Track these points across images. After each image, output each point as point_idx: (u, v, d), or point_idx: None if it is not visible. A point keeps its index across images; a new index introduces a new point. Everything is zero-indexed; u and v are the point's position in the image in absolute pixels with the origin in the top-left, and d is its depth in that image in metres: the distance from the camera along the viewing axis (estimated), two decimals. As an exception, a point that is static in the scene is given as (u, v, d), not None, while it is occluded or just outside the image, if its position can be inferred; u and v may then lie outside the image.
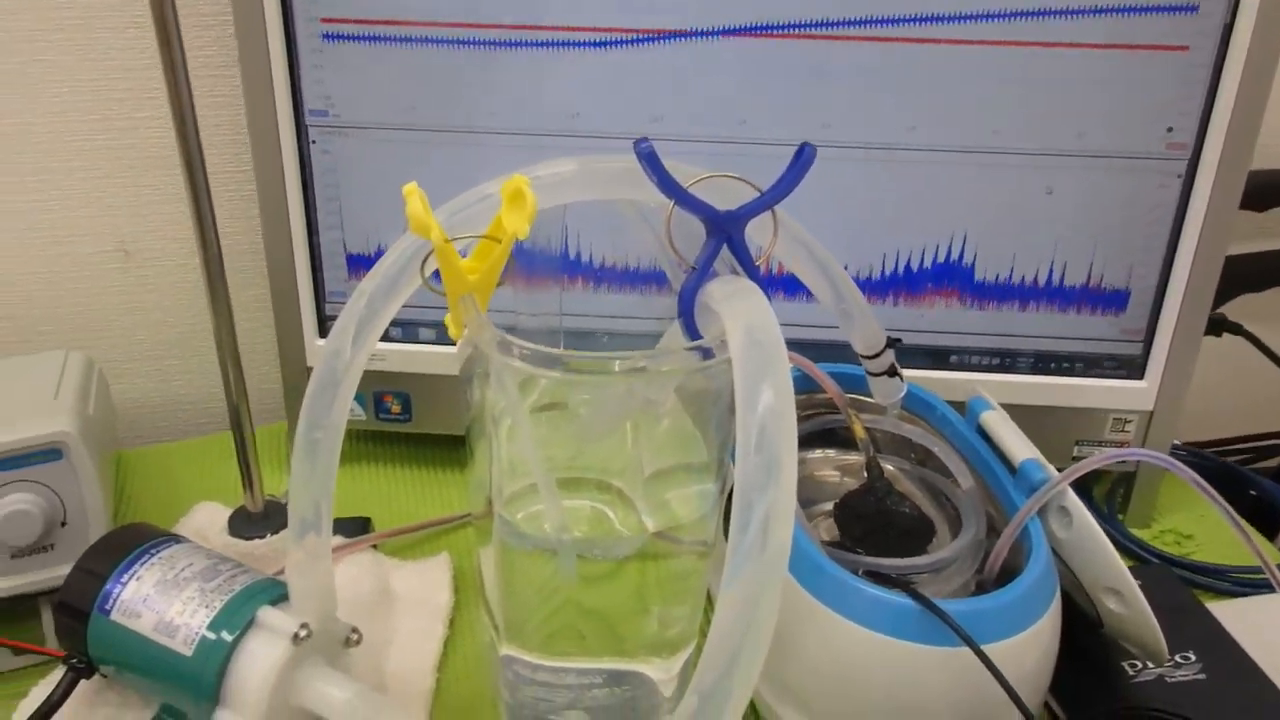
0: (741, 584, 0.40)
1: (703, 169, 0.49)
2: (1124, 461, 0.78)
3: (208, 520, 0.71)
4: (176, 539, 0.58)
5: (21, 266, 0.85)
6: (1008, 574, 0.55)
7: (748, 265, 0.49)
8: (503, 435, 0.52)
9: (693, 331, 0.48)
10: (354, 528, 0.72)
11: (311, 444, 0.50)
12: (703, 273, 0.49)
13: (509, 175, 0.47)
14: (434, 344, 0.77)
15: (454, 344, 0.75)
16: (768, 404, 0.41)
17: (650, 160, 0.47)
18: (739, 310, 0.44)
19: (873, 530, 0.60)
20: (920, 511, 0.61)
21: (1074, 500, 0.57)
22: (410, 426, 0.80)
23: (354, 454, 0.84)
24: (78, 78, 0.80)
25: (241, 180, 0.85)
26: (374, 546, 0.72)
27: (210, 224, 0.60)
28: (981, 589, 0.57)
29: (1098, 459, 0.57)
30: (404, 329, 0.77)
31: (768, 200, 0.49)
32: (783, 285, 0.74)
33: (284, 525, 0.68)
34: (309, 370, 0.77)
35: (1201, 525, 0.79)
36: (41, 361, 0.70)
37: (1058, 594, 0.54)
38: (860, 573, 0.54)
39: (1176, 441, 0.91)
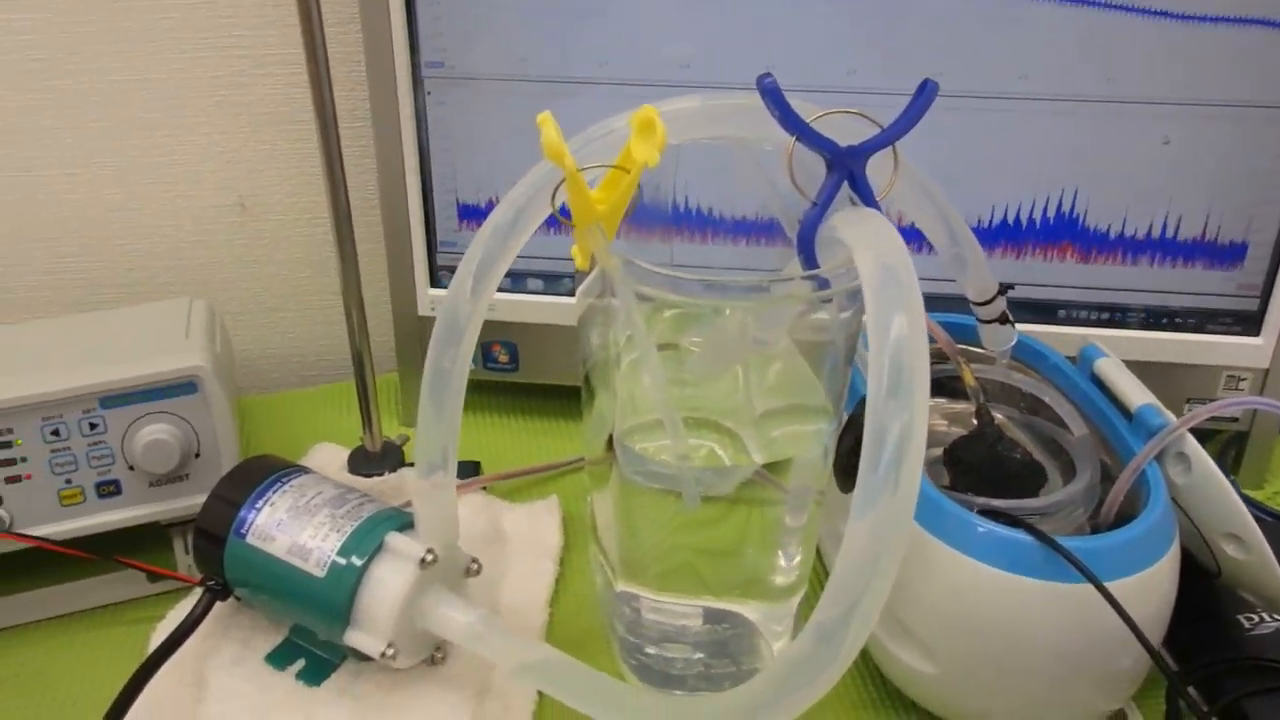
0: (872, 516, 0.40)
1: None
2: (1237, 420, 0.77)
3: (327, 459, 0.74)
4: (304, 470, 0.60)
5: (144, 219, 0.88)
6: (1123, 521, 0.55)
7: (869, 201, 0.50)
8: (622, 374, 0.53)
9: (813, 266, 0.49)
10: (466, 470, 0.74)
11: (439, 383, 0.51)
12: (824, 208, 0.49)
13: (634, 109, 0.48)
14: (542, 294, 0.78)
15: (562, 294, 0.78)
16: (900, 332, 0.41)
17: (773, 95, 0.48)
18: (868, 238, 0.44)
19: (983, 475, 0.60)
20: (1031, 457, 0.61)
21: (1194, 445, 0.56)
22: (517, 376, 0.82)
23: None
24: (201, 34, 0.82)
25: (354, 135, 0.86)
26: (484, 489, 0.73)
27: (339, 171, 0.62)
28: (1097, 534, 0.57)
29: (1221, 404, 0.56)
30: (513, 279, 0.78)
31: (890, 135, 0.49)
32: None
33: (400, 464, 0.70)
34: (420, 320, 0.79)
35: (1318, 486, 0.78)
36: (169, 307, 0.73)
37: (1177, 537, 0.54)
38: (976, 511, 0.54)
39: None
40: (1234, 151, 0.69)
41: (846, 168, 0.49)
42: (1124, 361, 0.72)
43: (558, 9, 0.69)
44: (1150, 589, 0.52)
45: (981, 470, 0.61)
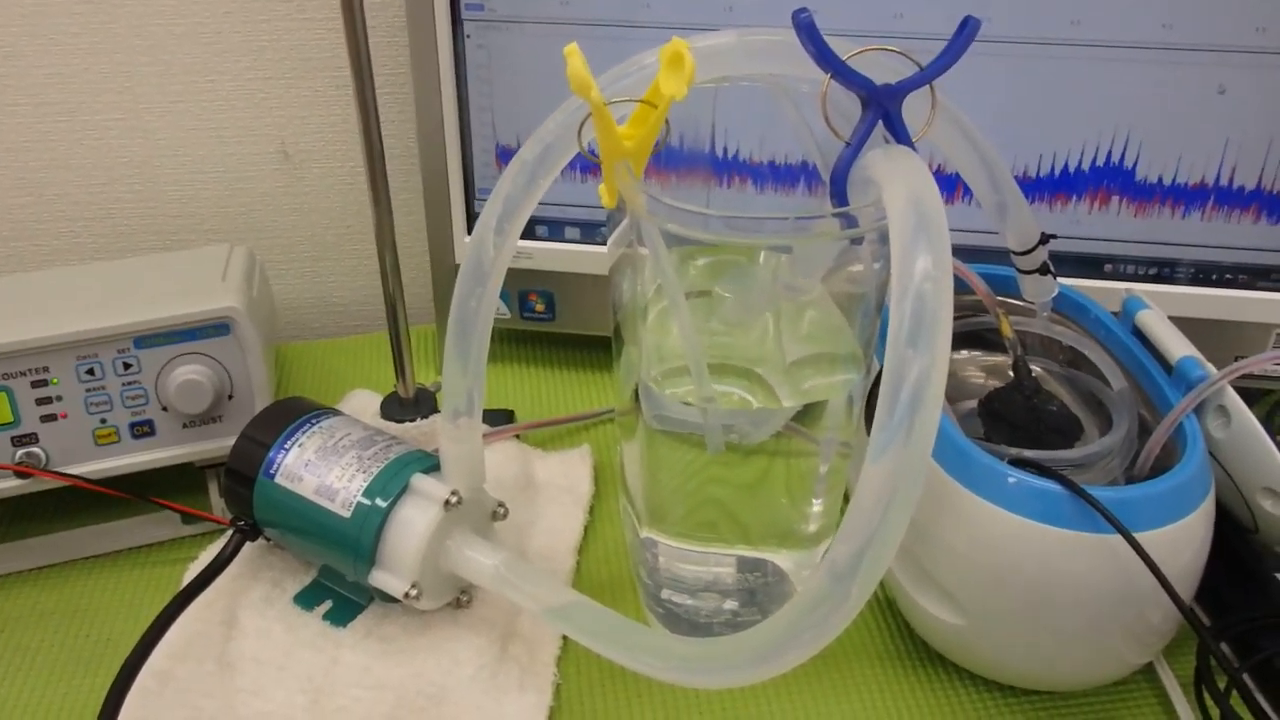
0: (886, 462, 0.40)
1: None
2: (1286, 379, 0.75)
3: (361, 405, 0.74)
4: (334, 412, 0.61)
5: (187, 165, 0.88)
6: (1159, 475, 0.54)
7: (905, 142, 0.49)
8: (651, 323, 0.53)
9: (844, 206, 0.48)
10: (499, 418, 0.74)
11: (464, 318, 0.51)
12: (857, 148, 0.48)
13: (666, 43, 0.47)
14: (579, 243, 0.78)
15: (599, 243, 0.77)
16: (925, 270, 0.40)
17: (809, 31, 0.47)
18: (899, 176, 0.43)
19: (1019, 427, 0.59)
20: (1067, 409, 0.60)
21: (1234, 398, 0.55)
22: (553, 326, 0.81)
23: (498, 353, 0.86)
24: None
25: (395, 84, 0.86)
26: (517, 437, 0.73)
27: (373, 118, 0.62)
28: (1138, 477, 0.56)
29: (1264, 357, 0.55)
30: (550, 227, 0.78)
31: (928, 74, 0.48)
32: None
33: (433, 411, 0.70)
34: (457, 269, 0.79)
35: (1368, 447, 0.76)
36: (209, 253, 0.73)
37: (1212, 490, 0.53)
38: (1007, 460, 0.53)
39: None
40: (1291, 100, 0.67)
41: (882, 107, 0.48)
42: (1171, 319, 0.71)
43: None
44: (1183, 541, 0.51)
45: (1016, 422, 0.60)
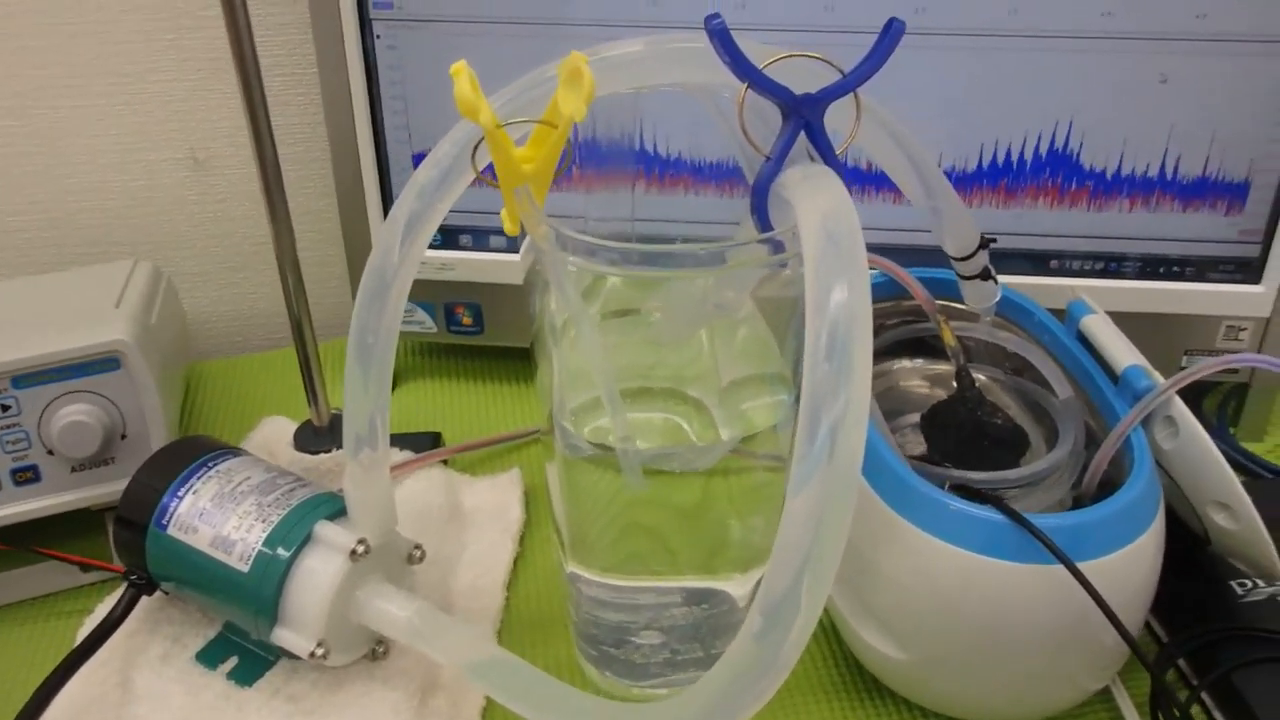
0: (807, 497, 0.36)
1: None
2: (1236, 371, 0.73)
3: (275, 434, 0.70)
4: (235, 452, 0.57)
5: (93, 175, 0.83)
6: (1108, 489, 0.51)
7: (827, 154, 0.45)
8: (566, 345, 0.50)
9: (766, 226, 0.45)
10: (424, 442, 0.71)
11: (364, 351, 0.47)
12: (778, 162, 0.45)
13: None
14: (506, 252, 0.74)
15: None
16: (840, 302, 0.37)
17: (722, 38, 0.44)
18: (814, 199, 0.40)
19: (962, 442, 0.57)
20: (1013, 423, 0.57)
21: (1181, 408, 0.52)
22: (482, 339, 0.78)
23: (424, 368, 0.82)
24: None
25: (307, 85, 0.82)
26: (444, 462, 0.70)
27: (266, 130, 0.58)
28: (1079, 505, 0.53)
29: (1208, 365, 0.52)
30: (474, 236, 0.74)
31: (850, 82, 0.45)
32: (872, 181, 0.69)
33: (350, 439, 0.66)
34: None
35: (1321, 439, 0.74)
36: (108, 271, 0.69)
37: (1161, 508, 0.50)
38: (947, 486, 0.50)
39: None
40: (1235, 89, 0.64)
41: (803, 118, 0.45)
42: (1118, 313, 0.68)
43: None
44: (1132, 567, 0.48)
45: (960, 438, 0.57)
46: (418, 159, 0.71)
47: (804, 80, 0.45)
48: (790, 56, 0.45)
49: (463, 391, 0.79)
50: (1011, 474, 0.52)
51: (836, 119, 0.45)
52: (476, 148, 0.43)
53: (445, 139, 0.45)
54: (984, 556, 0.47)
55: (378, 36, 0.68)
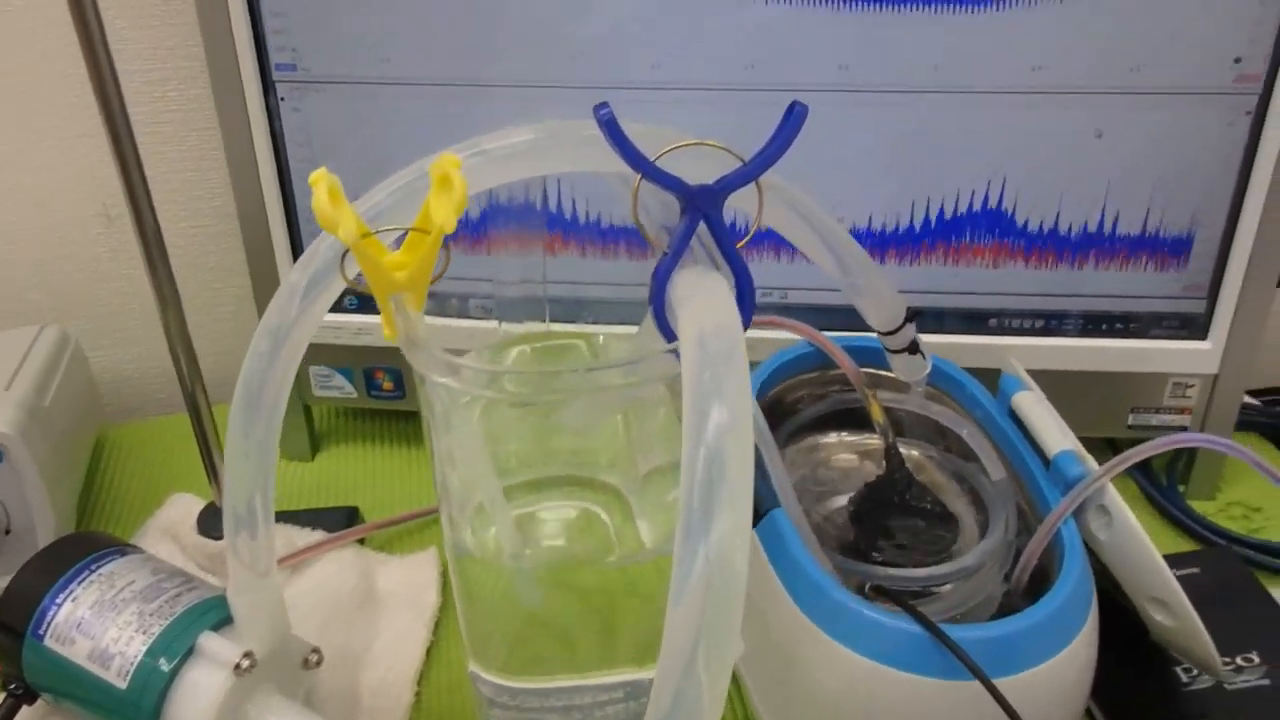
0: (684, 631, 0.33)
1: (690, 132, 0.42)
2: (1185, 428, 0.70)
3: (181, 514, 0.67)
4: (123, 550, 0.54)
5: (4, 231, 0.80)
6: (1041, 581, 0.49)
7: (727, 247, 0.43)
8: (447, 442, 0.46)
9: (664, 328, 0.42)
10: (339, 519, 0.68)
11: (238, 454, 0.44)
12: (675, 257, 0.42)
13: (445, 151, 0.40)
14: (427, 315, 0.71)
15: (451, 315, 0.71)
16: (719, 424, 0.34)
17: (610, 129, 0.41)
18: (694, 313, 0.37)
19: (891, 530, 0.54)
20: (944, 507, 0.54)
21: (1115, 498, 0.50)
22: (404, 404, 0.74)
23: (343, 433, 0.79)
24: (53, 26, 0.74)
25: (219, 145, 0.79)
26: (360, 540, 0.67)
27: (144, 197, 0.55)
28: (1011, 598, 0.50)
29: (1143, 450, 0.50)
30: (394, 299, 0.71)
31: (750, 171, 0.42)
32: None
33: (259, 520, 0.63)
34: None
35: (1272, 497, 0.72)
36: (7, 343, 0.65)
37: (1093, 610, 0.48)
38: (868, 588, 0.48)
39: (1249, 396, 0.83)
40: (1173, 143, 0.62)
41: (700, 210, 0.42)
42: (1061, 371, 0.66)
43: (416, 4, 0.61)
44: (1060, 679, 0.46)
45: (888, 525, 0.54)
46: (330, 221, 0.69)
47: (708, 164, 0.42)
48: (687, 145, 0.43)
49: (384, 457, 0.77)
50: (939, 570, 0.50)
51: (746, 197, 0.43)
52: (346, 254, 0.40)
53: (318, 240, 0.42)
54: (902, 672, 0.44)
55: (282, 99, 0.65)
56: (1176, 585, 0.48)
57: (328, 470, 0.76)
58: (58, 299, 0.83)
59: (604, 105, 0.40)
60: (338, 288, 0.43)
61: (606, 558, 0.50)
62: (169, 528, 0.65)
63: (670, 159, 0.43)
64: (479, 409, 0.49)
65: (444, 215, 0.37)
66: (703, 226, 0.42)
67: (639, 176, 0.42)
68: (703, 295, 0.38)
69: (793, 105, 0.42)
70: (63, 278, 0.83)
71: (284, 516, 0.67)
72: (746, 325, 0.44)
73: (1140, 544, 0.49)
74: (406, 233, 0.41)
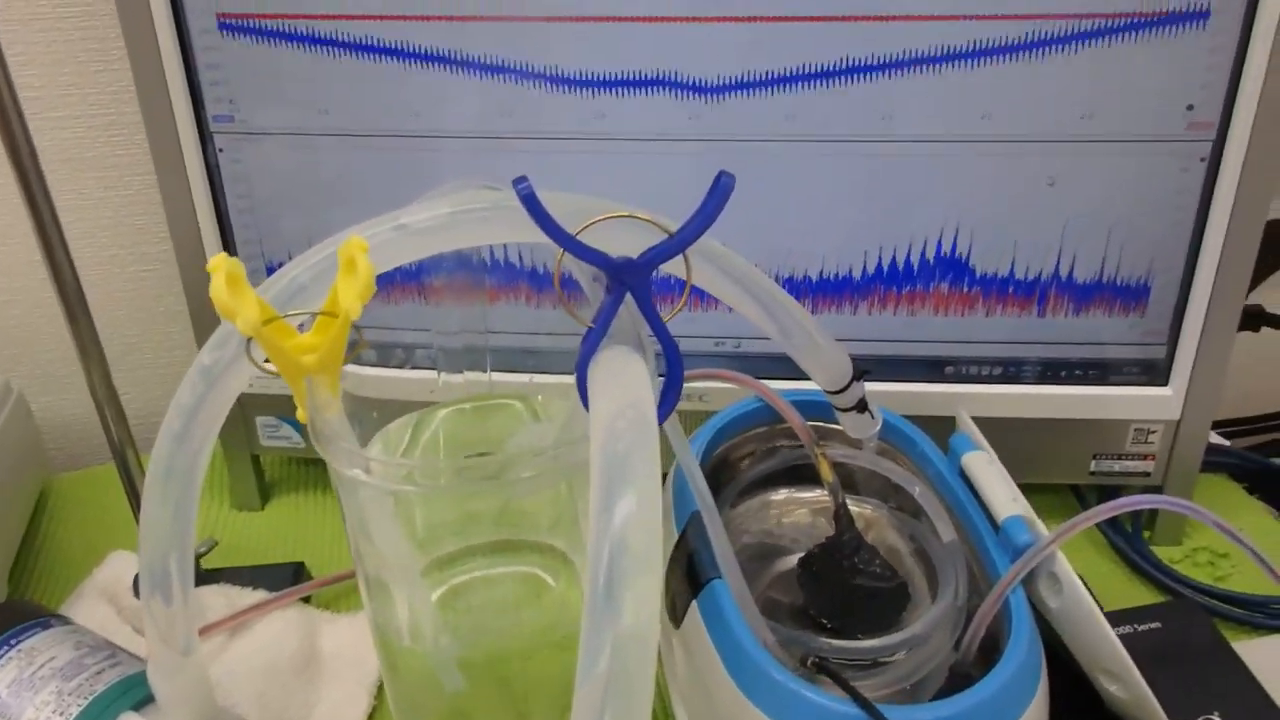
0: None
1: (635, 185, 0.40)
2: (1149, 474, 0.69)
3: (118, 573, 0.65)
4: (47, 623, 0.52)
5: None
6: (992, 645, 0.48)
7: (654, 322, 0.41)
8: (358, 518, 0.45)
9: (589, 407, 0.41)
10: (282, 576, 0.66)
11: (161, 498, 0.43)
12: (599, 334, 0.41)
13: (356, 231, 0.39)
14: (375, 366, 0.69)
15: (398, 367, 0.69)
16: (626, 515, 0.33)
17: (530, 204, 0.39)
18: (605, 401, 0.36)
19: (839, 595, 0.53)
20: (893, 572, 0.53)
21: (1064, 566, 0.48)
22: (353, 451, 0.73)
23: (294, 480, 0.78)
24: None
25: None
26: (306, 598, 0.65)
27: (61, 249, 0.54)
28: (960, 666, 0.49)
29: (1091, 516, 0.48)
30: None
31: (676, 244, 0.41)
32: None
33: (201, 581, 0.62)
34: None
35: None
36: (-58, 398, 0.64)
37: (1043, 683, 0.46)
38: (810, 662, 0.46)
39: (1214, 436, 0.82)
40: (1127, 190, 0.61)
41: (624, 285, 0.41)
42: (1021, 419, 0.65)
43: (354, 57, 0.60)
44: (1009, 756, 0.44)
45: (836, 590, 0.53)
46: (271, 269, 0.67)
47: (638, 234, 0.41)
48: (611, 218, 0.41)
49: (335, 507, 0.75)
50: (887, 641, 0.48)
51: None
52: (250, 343, 0.39)
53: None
54: (840, 756, 0.43)
55: (220, 150, 0.63)
56: (1127, 658, 0.47)
57: (277, 520, 0.74)
58: (5, 345, 0.82)
59: (523, 180, 0.39)
60: (250, 369, 0.41)
61: (550, 629, 0.48)
62: (106, 588, 0.64)
63: (600, 230, 0.42)
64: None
65: (349, 301, 0.36)
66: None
67: (561, 252, 0.40)
68: (615, 381, 0.37)
69: (719, 176, 0.40)
70: (9, 322, 0.81)
71: (227, 574, 0.65)
72: (675, 402, 0.43)
73: (1090, 614, 0.47)
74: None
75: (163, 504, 0.42)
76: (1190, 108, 0.58)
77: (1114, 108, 0.58)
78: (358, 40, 0.60)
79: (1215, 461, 0.77)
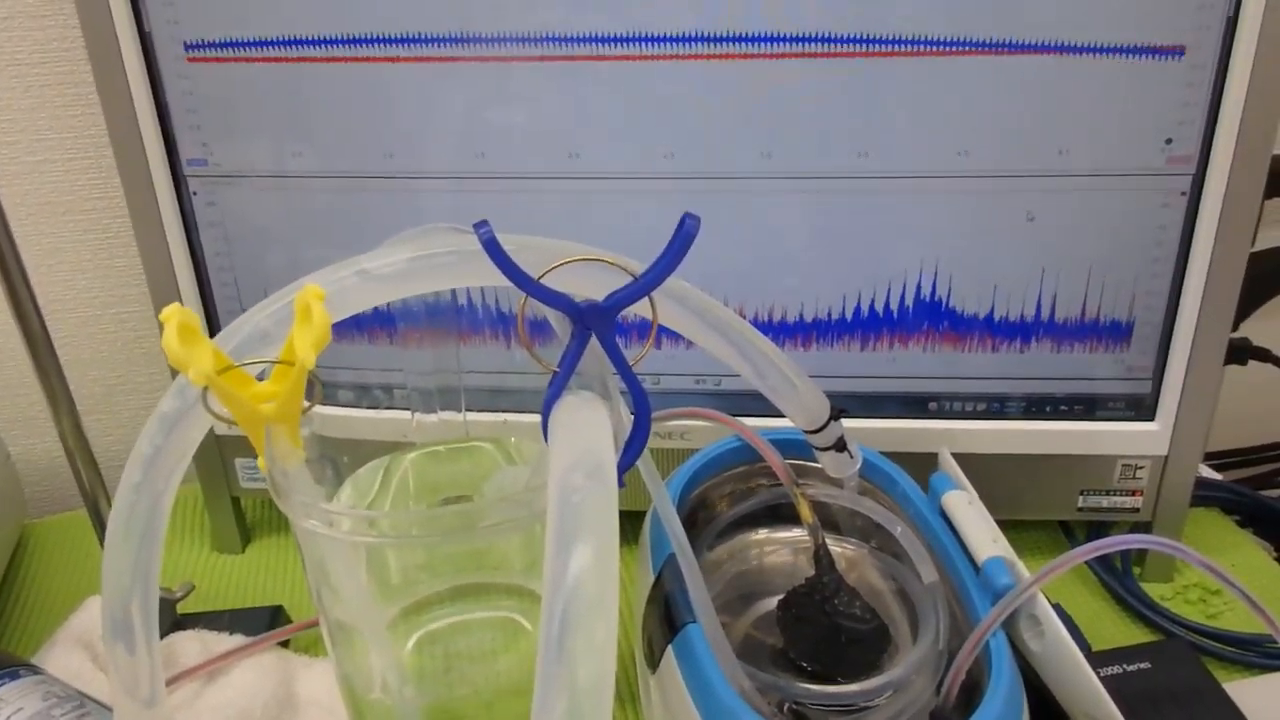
0: None
1: (607, 224, 0.40)
2: (1138, 510, 0.68)
3: (95, 620, 0.64)
4: (16, 673, 0.51)
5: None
6: (974, 688, 0.47)
7: (620, 365, 0.41)
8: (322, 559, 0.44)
9: (554, 452, 0.40)
10: (260, 620, 0.65)
11: (122, 549, 0.42)
12: (563, 379, 0.40)
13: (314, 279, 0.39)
14: (355, 407, 0.69)
15: (377, 408, 0.69)
16: (581, 568, 0.32)
17: (491, 249, 0.39)
18: (563, 449, 0.35)
19: (819, 637, 0.52)
20: (874, 614, 0.52)
21: (1045, 609, 0.48)
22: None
23: (276, 523, 0.77)
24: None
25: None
26: (285, 642, 0.64)
27: (29, 300, 0.54)
28: (942, 710, 0.48)
29: (1073, 557, 0.47)
30: (325, 390, 0.68)
31: (641, 287, 0.40)
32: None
33: (175, 625, 0.61)
34: (216, 437, 0.70)
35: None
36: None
37: (1024, 728, 0.45)
38: (787, 709, 0.46)
39: (1205, 469, 0.81)
40: (1107, 225, 0.60)
41: (588, 328, 0.40)
42: (1006, 455, 0.64)
43: (327, 99, 0.60)
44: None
45: (816, 633, 0.52)
46: (250, 313, 0.67)
47: (605, 277, 0.41)
48: (575, 261, 0.41)
49: (315, 551, 0.74)
50: (866, 686, 0.47)
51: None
52: (205, 393, 0.38)
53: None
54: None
55: (194, 194, 0.63)
56: (1111, 703, 0.46)
57: (258, 562, 0.73)
58: (-12, 389, 0.81)
59: (483, 224, 0.39)
60: (208, 417, 0.41)
61: (528, 676, 0.47)
62: (82, 635, 0.63)
63: (567, 272, 0.41)
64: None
65: (304, 350, 0.35)
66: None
67: (524, 297, 0.40)
68: (573, 430, 0.36)
69: (684, 219, 0.40)
70: (-10, 368, 0.81)
71: (203, 619, 0.64)
72: (641, 446, 0.42)
73: (1073, 659, 0.46)
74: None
75: (124, 553, 0.42)
76: (1169, 141, 0.58)
77: (1090, 142, 0.58)
78: (329, 75, 0.59)
79: (1206, 495, 0.76)
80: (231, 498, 0.73)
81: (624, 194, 0.60)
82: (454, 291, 0.63)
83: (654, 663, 0.50)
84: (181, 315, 0.35)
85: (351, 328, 0.66)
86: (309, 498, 0.37)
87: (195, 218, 0.64)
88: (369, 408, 0.68)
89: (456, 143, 0.60)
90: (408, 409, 0.60)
